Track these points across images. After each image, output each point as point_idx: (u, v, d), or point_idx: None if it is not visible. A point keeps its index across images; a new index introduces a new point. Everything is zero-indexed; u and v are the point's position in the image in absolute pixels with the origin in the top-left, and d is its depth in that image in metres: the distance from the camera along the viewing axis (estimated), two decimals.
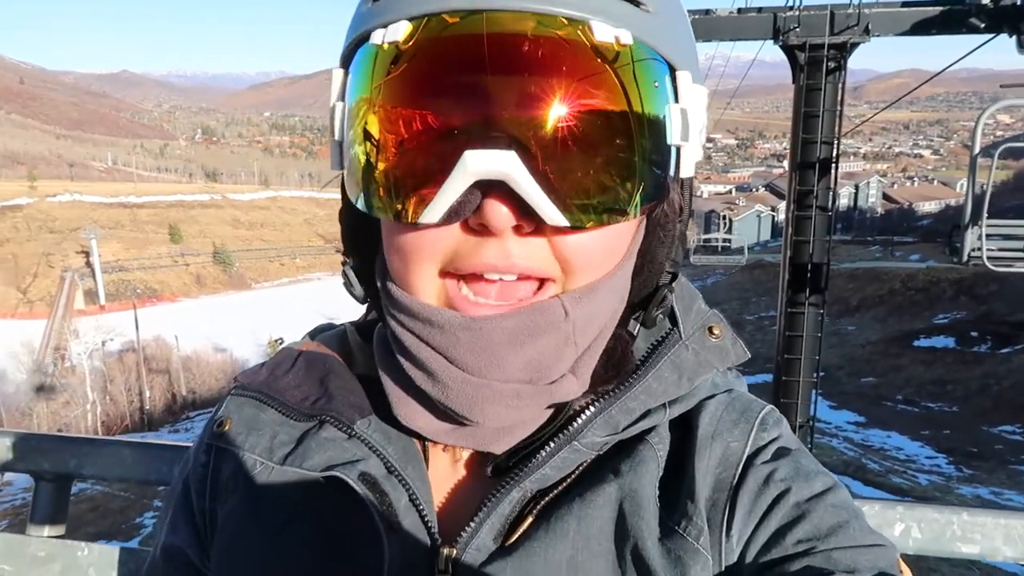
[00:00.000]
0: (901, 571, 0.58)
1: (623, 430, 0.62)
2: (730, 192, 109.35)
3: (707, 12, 9.79)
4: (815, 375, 10.12)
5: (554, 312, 0.56)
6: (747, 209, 76.47)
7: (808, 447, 0.67)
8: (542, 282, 0.57)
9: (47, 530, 1.63)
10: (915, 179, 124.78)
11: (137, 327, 40.61)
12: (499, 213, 0.52)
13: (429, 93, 0.52)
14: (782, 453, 0.63)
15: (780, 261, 10.60)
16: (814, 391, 10.17)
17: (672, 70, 0.56)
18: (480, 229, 0.54)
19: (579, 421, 0.61)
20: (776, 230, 70.82)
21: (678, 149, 0.57)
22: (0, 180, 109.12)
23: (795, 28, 9.16)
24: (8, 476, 1.70)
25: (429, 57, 0.52)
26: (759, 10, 9.62)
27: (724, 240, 36.21)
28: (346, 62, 0.59)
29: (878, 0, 9.12)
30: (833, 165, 9.58)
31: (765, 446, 0.63)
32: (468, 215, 0.53)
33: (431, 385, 0.59)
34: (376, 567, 0.59)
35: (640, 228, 0.62)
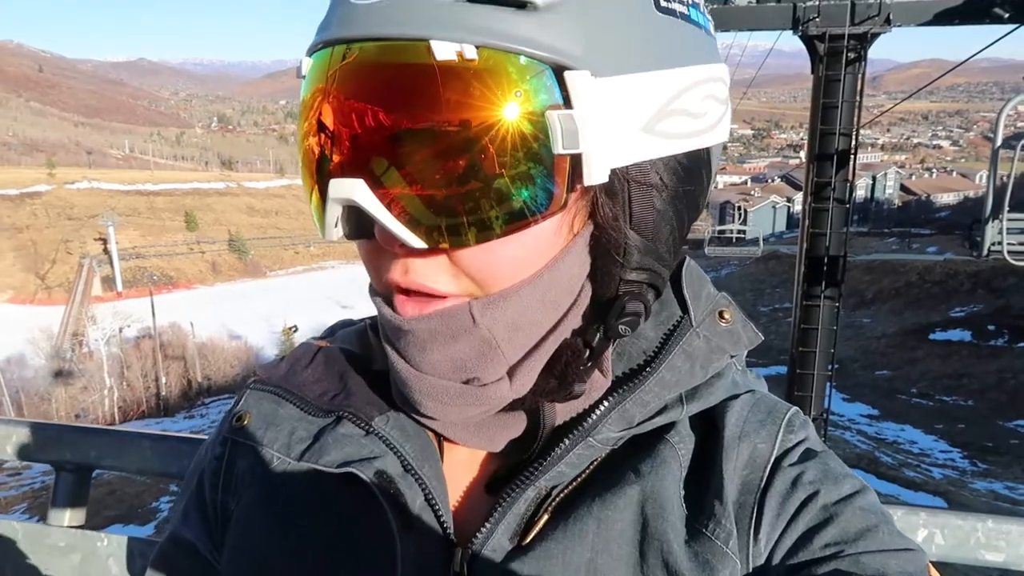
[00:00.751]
0: None
1: (638, 424, 0.61)
2: (745, 183, 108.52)
3: (726, 2, 9.66)
4: (830, 368, 10.07)
5: (462, 318, 0.56)
6: (762, 200, 75.79)
7: (821, 440, 0.66)
8: None
9: (67, 519, 1.65)
10: (934, 170, 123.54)
11: (153, 314, 41.06)
12: (381, 232, 0.54)
13: (315, 122, 0.55)
14: (809, 455, 0.62)
15: (795, 252, 10.53)
16: (829, 384, 10.13)
17: (559, 71, 0.51)
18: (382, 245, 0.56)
19: (593, 417, 0.61)
20: (792, 221, 70.23)
21: (576, 156, 0.52)
22: (19, 167, 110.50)
23: (815, 18, 9.05)
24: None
25: (307, 89, 0.56)
26: (778, 0, 9.51)
27: (739, 231, 36.00)
28: None
29: None
30: (852, 157, 9.49)
31: (792, 448, 0.63)
32: (370, 232, 0.55)
33: (398, 379, 0.60)
34: (390, 566, 0.59)
35: (571, 233, 0.58)
